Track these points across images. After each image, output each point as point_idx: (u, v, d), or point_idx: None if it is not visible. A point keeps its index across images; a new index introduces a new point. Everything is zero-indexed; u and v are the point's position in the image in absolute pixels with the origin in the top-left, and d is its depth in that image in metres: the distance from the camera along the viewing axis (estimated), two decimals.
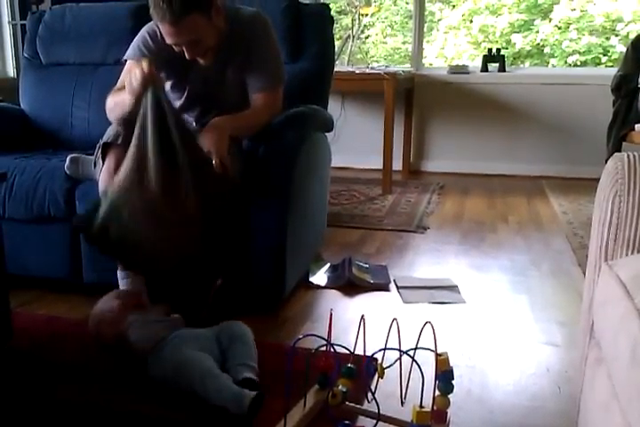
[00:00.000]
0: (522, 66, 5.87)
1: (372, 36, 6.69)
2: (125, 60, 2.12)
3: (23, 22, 3.89)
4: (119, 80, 2.09)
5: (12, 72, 4.27)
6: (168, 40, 1.95)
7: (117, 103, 1.96)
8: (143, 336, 1.64)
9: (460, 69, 5.00)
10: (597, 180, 1.27)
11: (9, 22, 4.21)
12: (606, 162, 1.25)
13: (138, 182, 1.71)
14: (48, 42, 2.78)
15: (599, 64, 5.96)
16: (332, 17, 2.66)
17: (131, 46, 2.12)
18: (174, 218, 1.74)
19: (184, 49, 1.97)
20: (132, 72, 1.77)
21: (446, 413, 1.31)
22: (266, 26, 2.12)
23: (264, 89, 2.12)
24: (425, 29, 5.21)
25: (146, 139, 1.70)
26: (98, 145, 2.03)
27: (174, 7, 1.82)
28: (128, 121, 1.94)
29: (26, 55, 2.85)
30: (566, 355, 1.82)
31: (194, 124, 2.20)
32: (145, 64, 1.74)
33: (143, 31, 2.11)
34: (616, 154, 1.21)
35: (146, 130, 1.70)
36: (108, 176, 1.94)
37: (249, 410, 1.40)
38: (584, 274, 1.70)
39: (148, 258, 1.82)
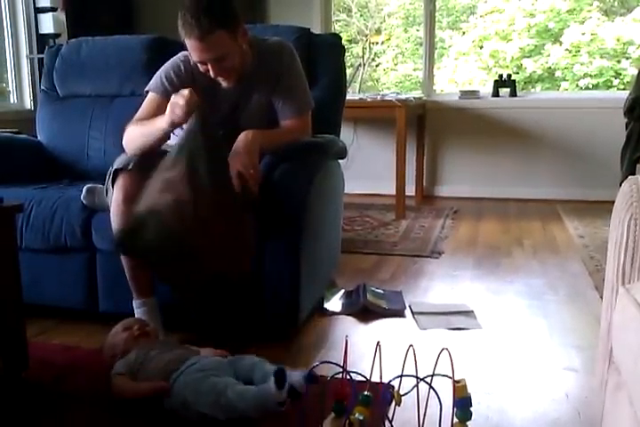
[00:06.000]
0: (533, 90, 5.89)
1: (382, 63, 6.76)
2: (147, 92, 2.15)
3: (41, 56, 3.97)
4: (140, 111, 2.11)
5: (29, 104, 4.35)
6: (194, 56, 2.00)
7: (144, 134, 1.99)
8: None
9: (472, 95, 5.04)
10: (612, 202, 1.26)
11: (27, 56, 4.30)
12: (620, 185, 1.24)
13: (189, 201, 1.77)
14: (65, 74, 2.83)
15: (611, 87, 5.98)
16: (344, 46, 2.69)
17: (155, 77, 2.15)
18: (228, 234, 1.82)
19: (209, 67, 2.02)
20: (174, 102, 1.85)
21: None
22: (292, 54, 2.21)
23: (294, 116, 2.19)
24: (435, 56, 5.27)
25: (196, 159, 1.78)
26: (108, 172, 2.05)
27: (202, 24, 1.90)
28: (148, 151, 1.98)
29: (43, 88, 2.90)
30: (585, 380, 1.79)
31: None
32: (187, 92, 1.83)
33: (175, 59, 2.17)
34: (630, 177, 1.21)
35: (196, 151, 1.79)
36: (117, 208, 1.96)
37: (277, 386, 1.41)
38: (601, 298, 1.68)
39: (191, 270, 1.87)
